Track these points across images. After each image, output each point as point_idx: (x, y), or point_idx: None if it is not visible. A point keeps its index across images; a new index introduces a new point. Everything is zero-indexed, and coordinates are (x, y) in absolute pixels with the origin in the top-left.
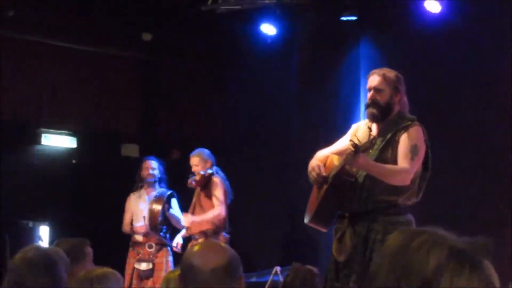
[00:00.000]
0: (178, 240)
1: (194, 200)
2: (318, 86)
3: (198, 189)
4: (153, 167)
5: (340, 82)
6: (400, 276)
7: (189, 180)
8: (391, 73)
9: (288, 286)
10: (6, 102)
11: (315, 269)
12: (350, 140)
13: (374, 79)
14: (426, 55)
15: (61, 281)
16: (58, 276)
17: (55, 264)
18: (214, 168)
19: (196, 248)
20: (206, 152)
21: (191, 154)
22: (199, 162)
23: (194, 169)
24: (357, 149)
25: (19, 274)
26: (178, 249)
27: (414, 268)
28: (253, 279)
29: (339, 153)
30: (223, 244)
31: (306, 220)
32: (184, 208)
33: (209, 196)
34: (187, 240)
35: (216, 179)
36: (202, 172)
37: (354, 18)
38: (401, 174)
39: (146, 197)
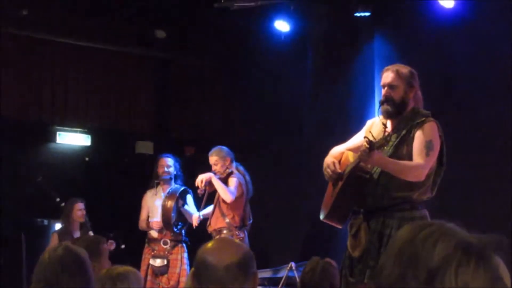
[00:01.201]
0: (199, 214)
1: (216, 196)
2: (332, 83)
3: None
4: (168, 164)
5: (354, 78)
6: (406, 266)
7: (199, 191)
8: (405, 69)
9: (307, 277)
10: (20, 101)
11: (333, 262)
12: (365, 137)
13: (388, 76)
14: (440, 50)
15: (91, 280)
16: (89, 275)
17: (85, 264)
18: (234, 164)
19: (209, 245)
20: (224, 149)
21: (209, 153)
22: (218, 161)
23: (213, 168)
24: (372, 146)
25: (53, 272)
26: (196, 221)
27: (420, 258)
28: (268, 275)
29: (354, 150)
30: (236, 241)
31: (321, 217)
32: (199, 205)
33: None
34: (203, 237)
35: (231, 180)
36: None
37: (367, 14)
38: (416, 170)
39: (162, 194)
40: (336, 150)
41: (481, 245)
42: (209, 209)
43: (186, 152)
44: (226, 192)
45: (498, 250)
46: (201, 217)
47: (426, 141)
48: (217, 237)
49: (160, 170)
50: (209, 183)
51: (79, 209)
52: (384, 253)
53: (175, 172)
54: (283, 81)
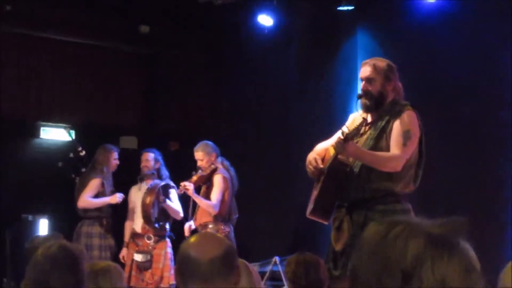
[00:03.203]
0: (190, 223)
1: (202, 190)
2: (316, 77)
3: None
4: (147, 158)
5: (337, 72)
6: (381, 271)
7: (178, 191)
8: (382, 62)
9: (297, 271)
10: (4, 96)
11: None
12: (341, 130)
13: (365, 70)
14: (423, 44)
15: (83, 278)
16: (81, 273)
17: (78, 261)
18: (220, 159)
19: (192, 239)
20: (210, 145)
21: (195, 148)
22: (203, 156)
23: (199, 163)
24: (347, 137)
25: (42, 271)
26: (188, 231)
27: (393, 261)
28: None
29: None
30: (218, 235)
31: (307, 213)
32: (182, 200)
33: (209, 192)
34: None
35: (217, 177)
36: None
37: (351, 8)
38: (392, 161)
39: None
40: (320, 147)
41: (449, 234)
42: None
43: (170, 147)
44: (209, 206)
45: (463, 233)
46: (193, 226)
47: (404, 131)
48: (203, 231)
49: (141, 165)
50: (196, 181)
51: (115, 158)
52: (355, 256)
53: (157, 167)
54: (268, 75)
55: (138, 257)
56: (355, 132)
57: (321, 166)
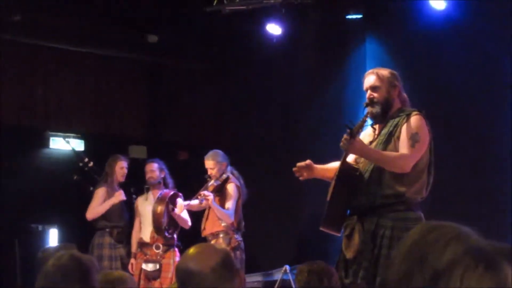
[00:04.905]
0: (185, 203)
1: (210, 200)
2: (324, 86)
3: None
4: (152, 169)
5: (346, 81)
6: (414, 264)
7: (199, 200)
8: (385, 71)
9: (307, 280)
10: (13, 106)
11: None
12: (345, 125)
13: (369, 79)
14: (432, 52)
15: None
16: (92, 284)
17: (90, 273)
18: (229, 168)
19: (188, 254)
20: (220, 153)
21: (205, 157)
22: (215, 165)
23: (209, 172)
24: (352, 132)
25: (53, 281)
26: (181, 209)
27: (429, 258)
28: (262, 278)
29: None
30: (212, 244)
31: (320, 226)
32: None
33: (222, 202)
34: (195, 241)
35: (231, 186)
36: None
37: (359, 16)
38: (400, 160)
39: (152, 199)
40: (332, 163)
41: (493, 252)
42: (196, 201)
43: (180, 156)
44: (226, 216)
45: (509, 258)
46: (186, 205)
47: (412, 133)
48: (214, 241)
49: (147, 175)
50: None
51: (121, 167)
52: (396, 249)
53: (162, 176)
54: (276, 84)
55: (147, 267)
56: (361, 124)
57: (307, 161)
